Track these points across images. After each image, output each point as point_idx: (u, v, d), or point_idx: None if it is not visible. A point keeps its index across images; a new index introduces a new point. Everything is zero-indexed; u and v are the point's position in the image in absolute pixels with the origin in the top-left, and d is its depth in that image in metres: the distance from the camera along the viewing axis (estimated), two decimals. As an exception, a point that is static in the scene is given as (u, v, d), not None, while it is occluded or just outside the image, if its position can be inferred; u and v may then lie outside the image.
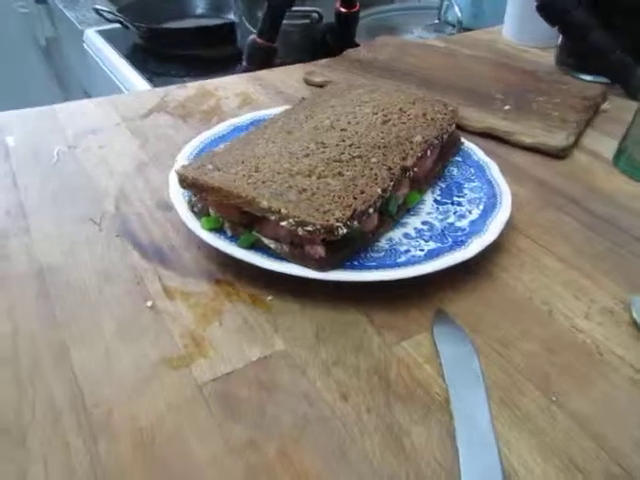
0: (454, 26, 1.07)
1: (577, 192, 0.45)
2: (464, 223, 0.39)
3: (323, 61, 0.69)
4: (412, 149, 0.40)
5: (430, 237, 0.37)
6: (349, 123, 0.42)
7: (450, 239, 0.37)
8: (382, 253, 0.36)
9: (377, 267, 0.34)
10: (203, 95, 0.60)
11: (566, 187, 0.46)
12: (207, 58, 1.20)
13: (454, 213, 0.40)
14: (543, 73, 0.67)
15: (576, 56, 0.68)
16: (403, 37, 0.82)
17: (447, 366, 0.30)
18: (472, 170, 0.45)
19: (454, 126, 0.45)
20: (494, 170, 0.44)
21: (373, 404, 0.28)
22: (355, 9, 0.92)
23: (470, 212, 0.40)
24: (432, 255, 0.35)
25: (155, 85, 1.07)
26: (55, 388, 0.28)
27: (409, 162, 0.38)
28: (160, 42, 1.19)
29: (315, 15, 0.98)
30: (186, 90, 0.61)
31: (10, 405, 0.28)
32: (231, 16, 1.29)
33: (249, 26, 1.07)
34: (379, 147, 0.39)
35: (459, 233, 0.37)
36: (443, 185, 0.44)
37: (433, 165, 0.43)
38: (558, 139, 0.51)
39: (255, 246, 0.35)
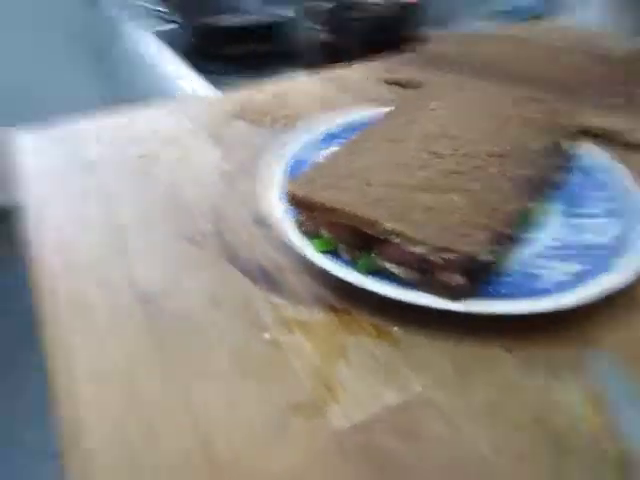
0: (524, 15, 1.02)
1: None
2: (605, 239, 0.34)
3: (397, 58, 0.65)
4: (531, 157, 0.36)
5: (567, 257, 0.33)
6: (459, 129, 0.39)
7: (592, 259, 0.33)
8: (515, 277, 0.32)
9: (514, 295, 0.30)
10: (279, 98, 0.57)
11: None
12: (262, 55, 1.17)
13: (589, 227, 0.36)
14: (635, 62, 0.62)
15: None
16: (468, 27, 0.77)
17: (620, 411, 0.26)
18: (597, 176, 0.40)
19: (569, 130, 0.40)
20: (622, 174, 0.39)
21: (533, 457, 0.25)
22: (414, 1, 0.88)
23: (609, 226, 0.36)
24: (577, 281, 0.31)
25: (213, 85, 1.05)
26: (180, 432, 0.26)
27: (531, 171, 0.35)
28: (214, 40, 1.17)
29: (378, 6, 0.94)
30: (260, 94, 0.58)
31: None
32: (280, 11, 1.26)
33: (309, 21, 1.03)
34: (496, 156, 0.36)
35: (603, 252, 0.33)
36: (566, 193, 0.39)
37: (551, 172, 0.39)
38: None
39: (374, 270, 0.32)
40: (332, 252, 0.33)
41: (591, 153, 0.42)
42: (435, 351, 0.30)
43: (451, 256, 0.28)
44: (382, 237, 0.31)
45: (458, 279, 0.29)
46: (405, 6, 0.89)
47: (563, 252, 0.34)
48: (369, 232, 0.31)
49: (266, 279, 0.34)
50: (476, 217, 0.30)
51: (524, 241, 0.35)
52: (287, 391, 0.28)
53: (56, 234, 0.39)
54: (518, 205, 0.32)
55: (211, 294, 0.33)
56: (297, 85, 0.60)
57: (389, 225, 0.30)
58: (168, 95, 1.18)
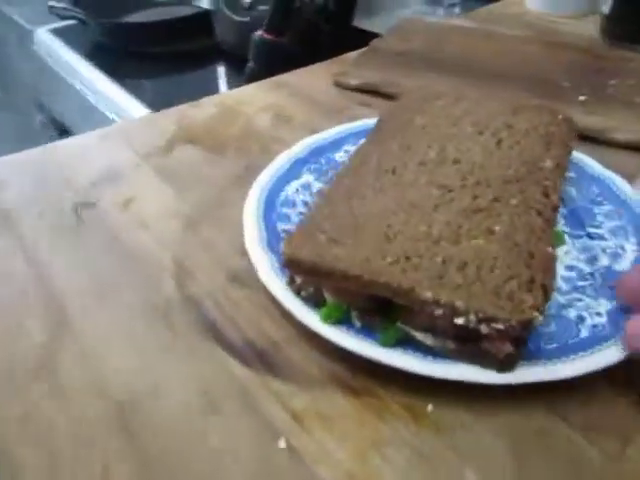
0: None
1: None
2: (624, 265, 0.31)
3: (351, 57, 0.59)
4: (548, 179, 0.32)
5: (590, 290, 0.30)
6: (458, 151, 0.34)
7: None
8: (553, 327, 0.28)
9: (563, 351, 0.26)
10: (226, 114, 0.50)
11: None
12: (181, 54, 1.08)
13: (602, 251, 0.32)
14: (599, 49, 0.60)
15: (631, 24, 0.61)
16: (423, 18, 0.73)
17: None
18: (595, 189, 0.37)
19: (574, 141, 0.37)
20: (622, 186, 0.36)
21: None
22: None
23: (623, 249, 0.32)
24: (614, 320, 0.27)
25: (127, 88, 0.94)
26: None
27: (555, 198, 0.30)
28: (126, 39, 1.06)
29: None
30: (203, 109, 0.51)
31: None
32: (200, 3, 1.16)
33: (229, 13, 0.95)
34: (510, 181, 0.31)
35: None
36: (565, 211, 0.36)
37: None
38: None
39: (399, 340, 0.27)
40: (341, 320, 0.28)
41: (582, 162, 0.39)
42: (483, 432, 0.25)
43: (503, 326, 0.23)
44: (418, 307, 0.25)
45: (508, 348, 0.24)
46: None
47: (583, 284, 0.30)
48: (401, 302, 0.25)
49: (260, 359, 0.28)
50: (516, 268, 0.26)
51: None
52: (324, 519, 0.22)
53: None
54: (551, 243, 0.28)
55: (198, 390, 0.27)
56: (243, 96, 0.53)
57: (430, 295, 0.24)
58: (72, 99, 1.06)
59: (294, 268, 0.27)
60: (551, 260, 0.26)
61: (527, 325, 0.23)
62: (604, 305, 0.29)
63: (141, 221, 0.37)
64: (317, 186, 0.37)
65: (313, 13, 0.91)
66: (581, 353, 0.26)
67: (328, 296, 0.28)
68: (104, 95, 0.97)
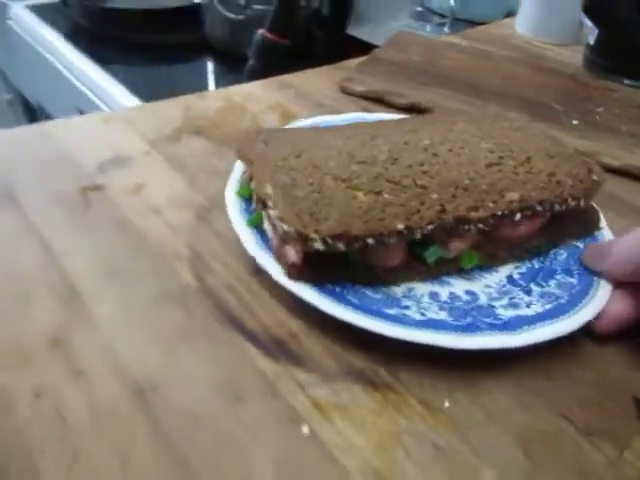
0: (441, 15, 1.02)
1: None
2: (507, 313, 0.30)
3: (352, 63, 0.60)
4: (494, 203, 0.31)
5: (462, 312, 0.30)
6: (450, 151, 0.34)
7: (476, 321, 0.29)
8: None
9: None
10: (233, 108, 0.50)
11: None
12: (168, 45, 1.07)
13: (510, 299, 0.31)
14: (585, 77, 0.63)
15: (615, 58, 0.64)
16: (420, 33, 0.75)
17: None
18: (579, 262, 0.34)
19: (588, 202, 0.35)
20: None
21: None
22: (351, -5, 0.84)
23: (528, 306, 0.31)
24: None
25: (107, 70, 0.93)
26: None
27: (474, 215, 0.31)
28: (111, 24, 1.04)
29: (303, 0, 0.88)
30: (209, 102, 0.51)
31: None
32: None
33: (222, 9, 0.95)
34: (455, 187, 0.31)
35: (490, 320, 0.29)
36: (535, 265, 0.34)
37: (527, 236, 0.33)
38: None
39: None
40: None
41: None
42: (496, 431, 0.26)
43: (287, 228, 0.29)
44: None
45: (292, 256, 0.29)
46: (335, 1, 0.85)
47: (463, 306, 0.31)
48: None
49: (281, 349, 0.29)
50: (356, 219, 0.29)
51: (442, 281, 0.32)
52: (353, 506, 0.23)
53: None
54: (425, 233, 0.30)
55: (221, 378, 0.27)
56: (250, 93, 0.53)
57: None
58: (51, 79, 1.03)
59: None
60: (388, 228, 0.29)
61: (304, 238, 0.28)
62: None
63: (152, 207, 0.37)
64: None
65: (307, 18, 0.92)
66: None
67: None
68: (84, 77, 0.95)
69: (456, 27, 0.95)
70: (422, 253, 0.31)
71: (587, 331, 0.30)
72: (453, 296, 0.31)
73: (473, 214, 0.31)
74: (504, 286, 0.32)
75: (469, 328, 0.28)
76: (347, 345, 0.29)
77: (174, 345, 0.28)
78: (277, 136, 0.36)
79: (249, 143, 0.35)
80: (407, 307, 0.30)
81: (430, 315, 0.29)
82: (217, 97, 0.51)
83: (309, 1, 0.86)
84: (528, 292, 0.32)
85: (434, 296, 0.31)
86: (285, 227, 0.28)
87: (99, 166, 0.40)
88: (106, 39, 1.04)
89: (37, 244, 0.33)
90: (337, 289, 0.29)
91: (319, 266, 0.29)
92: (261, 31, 0.64)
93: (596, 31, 0.65)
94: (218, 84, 0.95)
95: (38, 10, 1.15)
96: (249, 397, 0.26)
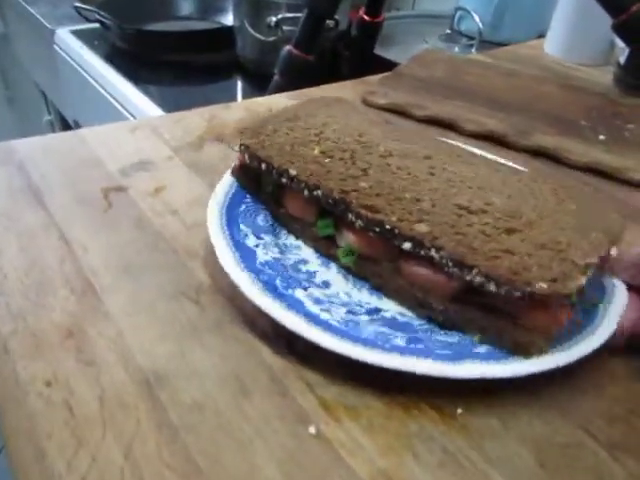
0: (470, 37, 1.02)
1: None
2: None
3: (374, 79, 0.61)
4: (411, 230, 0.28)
5: None
6: (497, 193, 0.31)
7: None
8: None
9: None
10: (255, 118, 0.51)
11: None
12: (201, 65, 1.09)
13: None
14: (615, 96, 0.62)
15: (646, 78, 0.63)
16: (445, 51, 0.75)
17: None
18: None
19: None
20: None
21: None
22: (380, 19, 0.85)
23: None
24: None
25: (144, 91, 0.96)
26: None
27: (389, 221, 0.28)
28: (148, 46, 1.08)
29: (332, 21, 0.90)
30: (233, 112, 0.52)
31: None
32: (222, 19, 1.19)
33: (253, 32, 0.97)
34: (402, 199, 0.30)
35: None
36: None
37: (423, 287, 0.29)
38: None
39: None
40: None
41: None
42: (511, 439, 0.25)
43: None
44: None
45: None
46: (364, 24, 0.86)
47: None
48: None
49: (290, 346, 0.28)
50: None
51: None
52: (356, 508, 0.22)
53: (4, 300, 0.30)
54: None
55: (229, 374, 0.27)
56: (272, 104, 0.54)
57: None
58: (90, 99, 1.07)
59: None
60: None
61: None
62: None
63: (171, 208, 0.37)
64: None
65: (334, 38, 0.94)
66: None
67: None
68: (121, 96, 0.98)
69: (484, 49, 0.95)
70: (317, 223, 0.32)
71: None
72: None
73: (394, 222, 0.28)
74: None
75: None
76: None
77: (184, 340, 0.28)
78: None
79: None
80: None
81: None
82: (241, 107, 0.52)
83: (337, 22, 0.87)
84: None
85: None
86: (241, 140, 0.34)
87: (123, 170, 0.41)
88: (143, 60, 1.07)
89: (57, 240, 0.34)
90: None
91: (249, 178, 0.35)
92: (288, 47, 0.66)
93: (627, 50, 0.64)
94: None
95: (80, 34, 1.20)
96: (256, 393, 0.26)
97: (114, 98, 1.00)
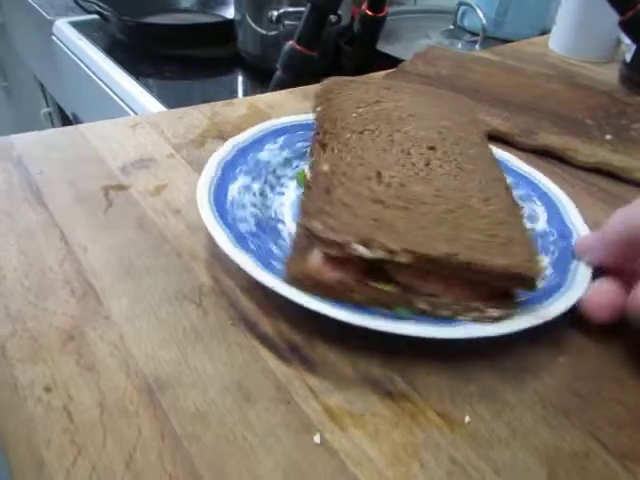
0: (473, 33, 1.01)
1: None
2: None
3: (378, 76, 0.60)
4: None
5: None
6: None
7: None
8: None
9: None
10: (257, 115, 0.50)
11: None
12: (201, 58, 1.08)
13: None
14: (621, 94, 0.61)
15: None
16: (450, 48, 0.75)
17: None
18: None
19: None
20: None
21: None
22: (383, 13, 0.84)
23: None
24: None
25: (144, 85, 0.95)
26: None
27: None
28: (147, 38, 1.06)
29: (335, 16, 0.88)
30: (234, 108, 0.51)
31: None
32: (223, 12, 1.18)
33: (254, 25, 0.96)
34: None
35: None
36: None
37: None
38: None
39: None
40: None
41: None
42: (520, 450, 0.25)
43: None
44: None
45: None
46: (366, 18, 0.85)
47: None
48: None
49: (294, 352, 0.28)
50: None
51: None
52: (362, 520, 0.22)
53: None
54: None
55: (232, 379, 0.26)
56: (273, 101, 0.53)
57: None
58: (89, 90, 1.06)
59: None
60: None
61: None
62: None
63: (173, 207, 0.37)
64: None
65: (337, 33, 0.93)
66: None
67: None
68: (120, 89, 0.97)
69: (488, 45, 0.94)
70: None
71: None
72: None
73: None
74: None
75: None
76: (363, 352, 0.28)
77: (186, 344, 0.28)
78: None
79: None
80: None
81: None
82: (242, 104, 0.51)
83: (339, 17, 0.86)
84: None
85: None
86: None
87: (123, 167, 0.40)
88: (142, 53, 1.06)
89: (57, 239, 0.33)
90: None
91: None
92: (290, 42, 0.65)
93: (633, 47, 0.63)
94: (247, 96, 0.96)
95: (79, 26, 1.19)
96: (259, 401, 0.25)
97: (112, 90, 0.99)
